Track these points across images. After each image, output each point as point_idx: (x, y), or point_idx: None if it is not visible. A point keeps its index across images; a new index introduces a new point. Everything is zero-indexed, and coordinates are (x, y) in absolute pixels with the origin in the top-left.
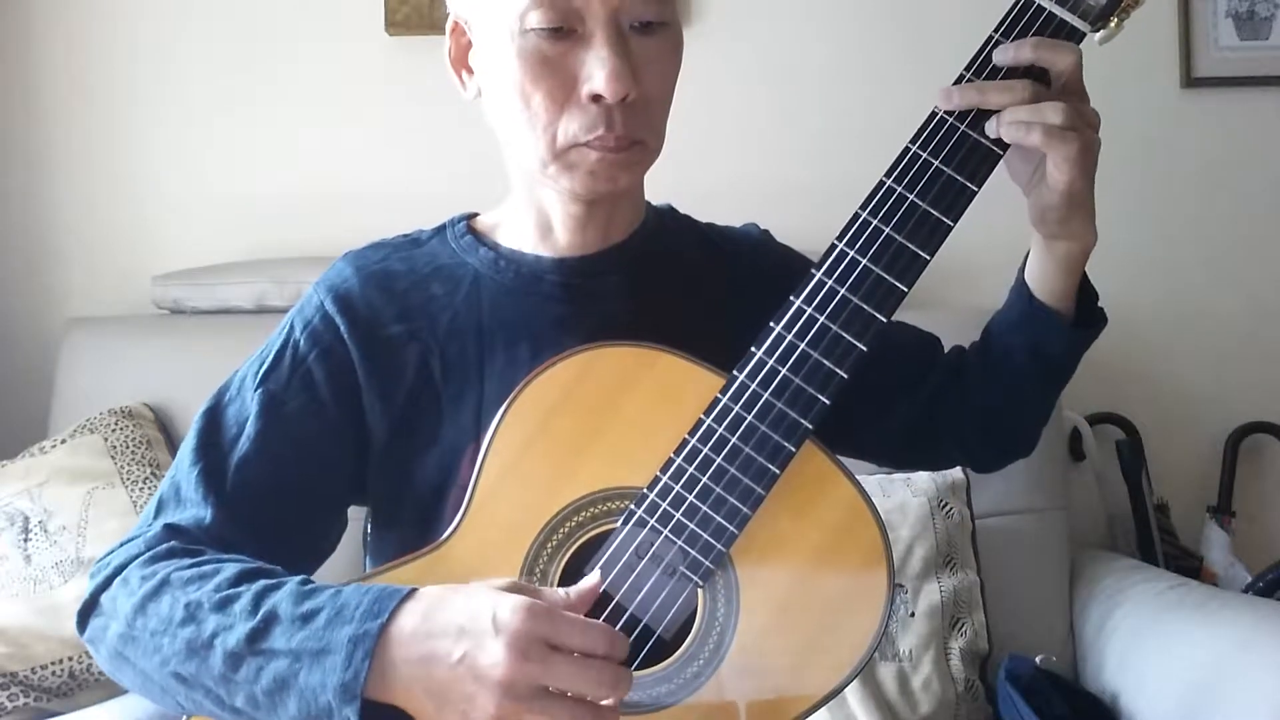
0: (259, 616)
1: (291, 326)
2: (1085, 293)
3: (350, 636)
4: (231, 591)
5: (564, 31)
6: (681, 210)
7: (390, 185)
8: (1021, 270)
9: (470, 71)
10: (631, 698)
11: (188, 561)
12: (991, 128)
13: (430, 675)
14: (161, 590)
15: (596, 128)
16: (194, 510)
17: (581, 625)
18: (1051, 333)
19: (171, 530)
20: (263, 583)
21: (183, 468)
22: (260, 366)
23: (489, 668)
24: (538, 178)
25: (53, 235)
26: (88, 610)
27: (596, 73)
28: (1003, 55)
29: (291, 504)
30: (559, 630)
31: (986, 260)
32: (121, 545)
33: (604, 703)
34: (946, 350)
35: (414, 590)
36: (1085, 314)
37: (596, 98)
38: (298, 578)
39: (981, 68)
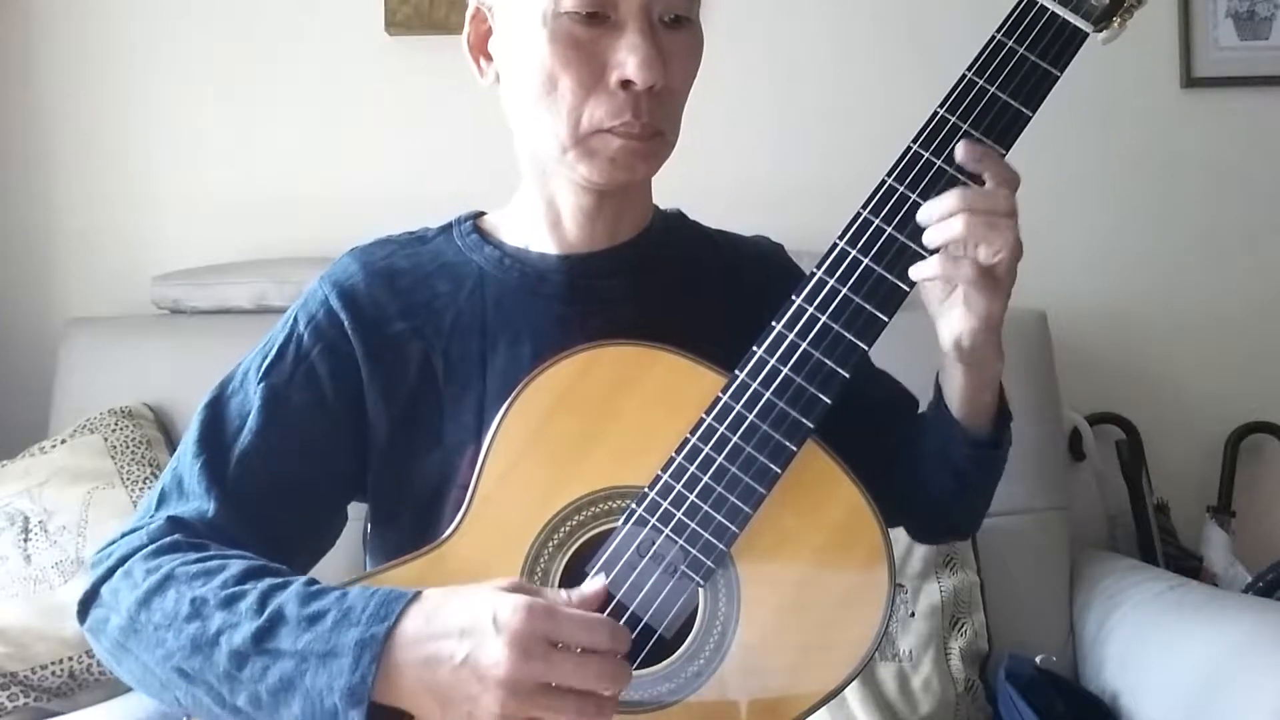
0: (265, 616)
1: (295, 320)
2: (1000, 409)
3: (357, 640)
4: (238, 589)
5: (598, 17)
6: (689, 212)
7: (390, 185)
8: (937, 377)
9: (488, 58)
10: (633, 696)
11: (193, 556)
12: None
13: (434, 677)
14: (166, 584)
15: (623, 114)
16: (196, 503)
17: (583, 621)
18: (959, 446)
19: (174, 523)
20: (268, 581)
21: (185, 460)
22: (263, 360)
23: (491, 667)
24: (553, 166)
25: (53, 235)
26: (88, 600)
27: (629, 59)
28: (927, 213)
29: (292, 499)
30: (560, 628)
31: None
32: (123, 536)
33: (605, 693)
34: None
35: (419, 593)
36: (998, 432)
37: (626, 84)
38: (303, 578)
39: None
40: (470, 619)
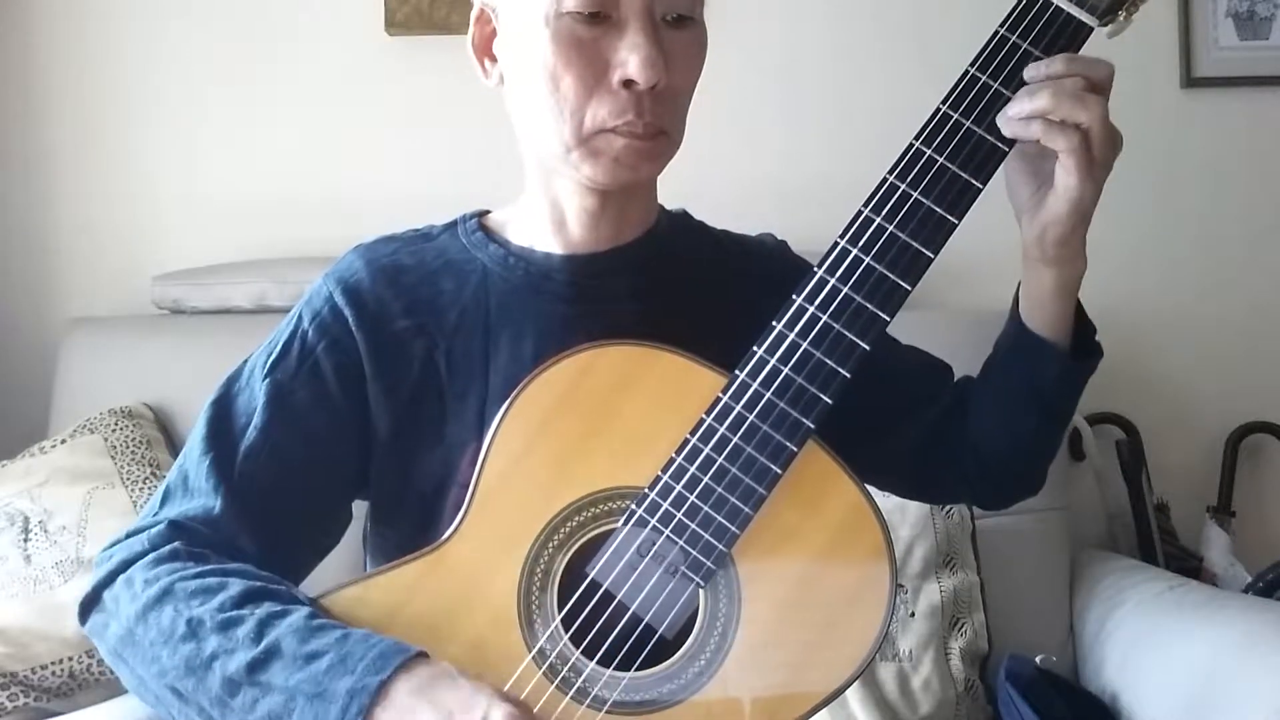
0: (261, 646)
1: (300, 317)
2: (1081, 325)
3: (349, 688)
4: (235, 614)
5: (599, 16)
6: (694, 212)
7: (390, 185)
8: (1015, 299)
9: (493, 59)
10: (634, 697)
11: (193, 570)
12: (1001, 122)
13: None
14: (164, 599)
15: (626, 113)
16: (203, 500)
17: None
18: (1044, 364)
19: (176, 528)
20: (268, 608)
21: (192, 457)
22: (268, 357)
23: None
24: (558, 166)
25: (53, 235)
26: (90, 603)
27: (630, 58)
28: (1034, 71)
29: (297, 496)
30: None
31: (987, 260)
32: (126, 538)
33: None
34: (957, 379)
35: (422, 652)
36: (1082, 346)
37: (628, 83)
38: (305, 609)
39: (998, 72)
40: (463, 704)
